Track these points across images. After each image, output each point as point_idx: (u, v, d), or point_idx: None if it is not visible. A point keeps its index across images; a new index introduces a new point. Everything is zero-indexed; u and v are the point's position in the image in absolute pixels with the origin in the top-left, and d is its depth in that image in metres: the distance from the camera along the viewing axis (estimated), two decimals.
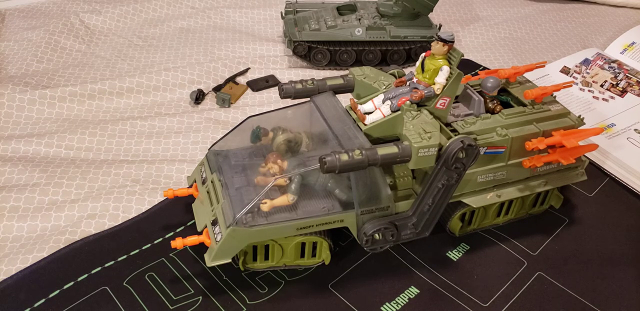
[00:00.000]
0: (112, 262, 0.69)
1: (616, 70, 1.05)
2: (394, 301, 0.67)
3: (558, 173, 0.73)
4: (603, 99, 1.00)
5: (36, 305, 0.64)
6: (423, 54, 0.64)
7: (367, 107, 0.65)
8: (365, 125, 0.64)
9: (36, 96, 0.94)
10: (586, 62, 1.08)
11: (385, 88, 0.67)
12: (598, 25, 1.29)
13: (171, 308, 0.64)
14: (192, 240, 0.63)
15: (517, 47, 1.20)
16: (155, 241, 0.72)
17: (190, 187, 0.72)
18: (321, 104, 0.67)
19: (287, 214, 0.62)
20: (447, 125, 0.66)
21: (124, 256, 0.70)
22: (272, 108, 0.79)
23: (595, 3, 1.39)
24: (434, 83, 0.63)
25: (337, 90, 0.69)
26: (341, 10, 1.11)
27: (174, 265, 0.69)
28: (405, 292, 0.68)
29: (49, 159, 0.85)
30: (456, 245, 0.74)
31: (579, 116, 0.71)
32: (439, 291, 0.68)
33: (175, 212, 0.76)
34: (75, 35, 1.15)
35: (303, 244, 0.67)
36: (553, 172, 0.72)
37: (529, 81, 0.75)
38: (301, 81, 0.68)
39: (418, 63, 0.64)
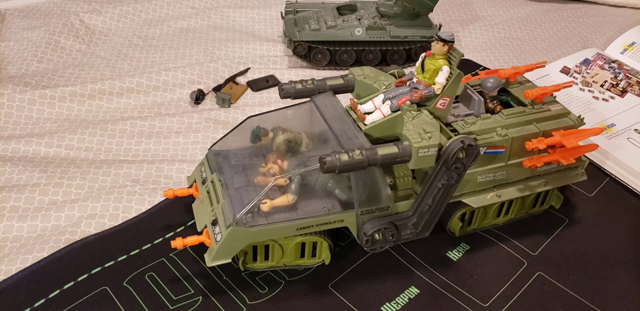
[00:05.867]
0: (112, 262, 0.69)
1: (616, 70, 1.05)
2: (394, 301, 0.67)
3: (558, 173, 0.73)
4: (603, 99, 1.00)
5: (36, 305, 0.64)
6: (423, 54, 0.64)
7: (367, 107, 0.65)
8: (365, 125, 0.64)
9: (36, 96, 0.94)
10: (586, 62, 1.08)
11: (385, 88, 0.67)
12: (598, 25, 1.29)
13: (171, 308, 0.64)
14: (192, 240, 0.63)
15: (517, 47, 1.20)
16: (155, 241, 0.72)
17: (190, 187, 0.72)
18: (321, 104, 0.67)
19: (287, 214, 0.62)
20: (447, 125, 0.66)
21: (124, 256, 0.70)
22: (272, 108, 0.79)
23: (595, 3, 1.39)
24: (434, 83, 0.63)
25: (337, 90, 0.69)
26: (341, 10, 1.11)
27: (174, 265, 0.69)
28: (405, 292, 0.68)
29: (49, 159, 0.85)
30: (456, 245, 0.74)
31: (579, 116, 0.71)
32: (439, 291, 0.68)
33: (175, 212, 0.76)
34: (75, 35, 1.15)
35: (303, 244, 0.67)
36: (553, 172, 0.72)
37: (529, 81, 0.75)
38: (301, 81, 0.68)
39: (418, 63, 0.64)
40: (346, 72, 1.07)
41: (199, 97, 0.98)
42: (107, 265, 0.69)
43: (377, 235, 0.64)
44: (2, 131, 0.90)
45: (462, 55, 0.62)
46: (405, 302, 0.67)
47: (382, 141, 0.64)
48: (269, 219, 0.61)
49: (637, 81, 1.03)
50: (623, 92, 1.01)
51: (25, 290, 0.65)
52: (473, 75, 0.83)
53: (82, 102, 0.96)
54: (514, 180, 0.70)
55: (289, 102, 0.70)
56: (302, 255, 0.68)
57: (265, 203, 0.61)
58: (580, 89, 1.03)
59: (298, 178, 0.62)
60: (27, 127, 0.92)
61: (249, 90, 1.03)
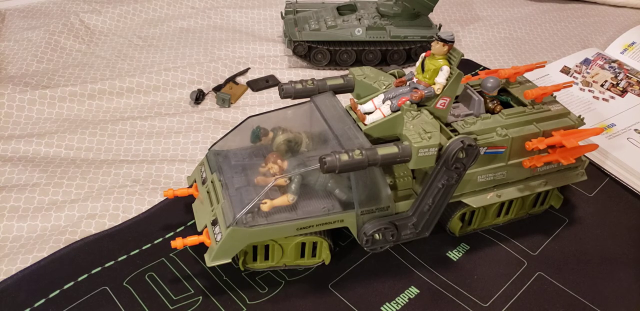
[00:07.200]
0: (112, 262, 0.69)
1: (616, 70, 1.05)
2: (394, 301, 0.67)
3: (558, 173, 0.73)
4: (603, 99, 1.00)
5: (36, 305, 0.64)
6: (423, 54, 0.64)
7: (367, 107, 0.65)
8: (365, 125, 0.64)
9: (36, 96, 0.94)
10: (586, 62, 1.08)
11: (385, 88, 0.67)
12: (598, 25, 1.29)
13: (171, 308, 0.64)
14: (192, 240, 0.63)
15: (517, 47, 1.20)
16: (155, 241, 0.72)
17: (190, 187, 0.72)
18: (321, 104, 0.67)
19: (287, 214, 0.62)
20: (447, 125, 0.66)
21: (124, 256, 0.70)
22: (272, 108, 0.79)
23: (595, 3, 1.39)
24: (434, 83, 0.63)
25: (337, 90, 0.69)
26: (341, 10, 1.11)
27: (174, 265, 0.69)
28: (405, 292, 0.68)
29: (49, 159, 0.85)
30: (456, 245, 0.74)
31: (579, 116, 0.71)
32: (439, 291, 0.68)
33: (175, 212, 0.76)
34: (75, 35, 1.15)
35: (303, 244, 0.67)
36: (553, 172, 0.72)
37: (529, 81, 0.75)
38: (301, 81, 0.68)
39: (418, 63, 0.64)
40: (346, 72, 1.07)
41: (199, 97, 0.98)
42: (107, 265, 0.69)
43: (377, 235, 0.64)
44: (2, 131, 0.90)
45: (462, 55, 0.62)
46: (405, 302, 0.67)
47: (382, 141, 0.64)
48: (269, 219, 0.61)
49: (637, 81, 1.03)
50: (623, 92, 1.01)
51: (25, 290, 0.65)
52: (473, 75, 0.83)
53: (82, 102, 0.96)
54: (514, 180, 0.70)
55: (289, 102, 0.70)
56: (302, 255, 0.68)
57: (265, 203, 0.61)
58: (581, 89, 1.03)
59: (298, 178, 0.62)
60: (27, 127, 0.92)
61: (249, 90, 1.03)
